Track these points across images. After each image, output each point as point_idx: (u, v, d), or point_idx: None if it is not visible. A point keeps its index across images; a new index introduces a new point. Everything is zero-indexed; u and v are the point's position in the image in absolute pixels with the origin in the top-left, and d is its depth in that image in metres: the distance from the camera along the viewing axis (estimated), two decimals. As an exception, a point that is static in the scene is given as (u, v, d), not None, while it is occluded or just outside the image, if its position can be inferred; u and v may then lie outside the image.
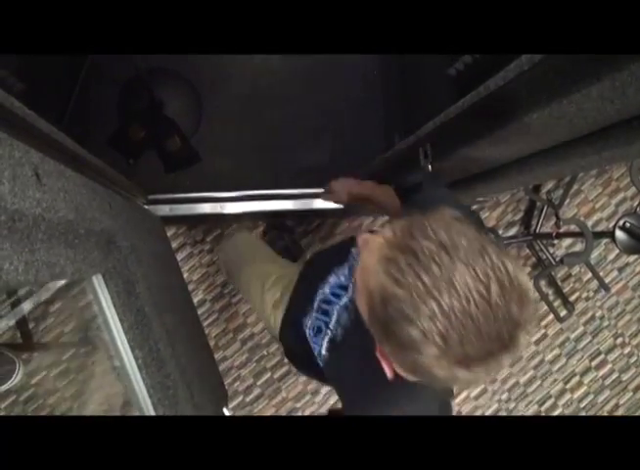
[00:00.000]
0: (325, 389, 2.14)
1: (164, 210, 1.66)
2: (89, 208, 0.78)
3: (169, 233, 2.06)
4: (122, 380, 0.94)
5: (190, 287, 2.07)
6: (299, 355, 1.19)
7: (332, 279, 1.01)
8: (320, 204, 1.64)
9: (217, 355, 2.08)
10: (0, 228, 0.51)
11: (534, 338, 2.23)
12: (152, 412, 0.94)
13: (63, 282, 1.98)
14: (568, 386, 2.25)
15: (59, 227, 0.65)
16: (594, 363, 2.26)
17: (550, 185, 2.25)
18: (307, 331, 1.06)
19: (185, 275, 2.06)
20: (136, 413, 0.96)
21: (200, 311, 2.07)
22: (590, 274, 2.23)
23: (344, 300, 0.94)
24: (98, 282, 0.86)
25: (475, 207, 2.21)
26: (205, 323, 2.08)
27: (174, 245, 2.06)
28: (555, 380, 2.24)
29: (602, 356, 2.26)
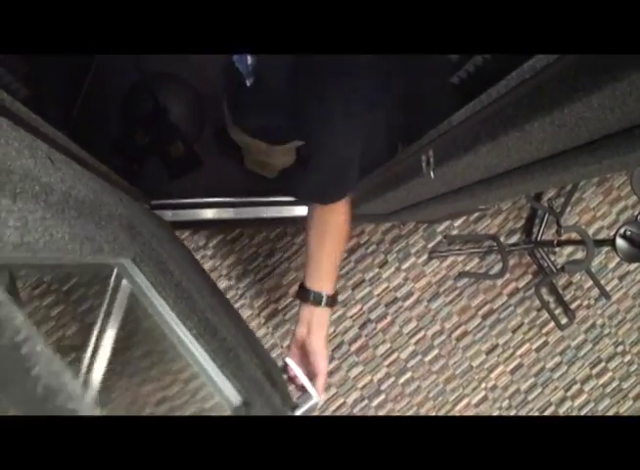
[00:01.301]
0: (331, 391, 2.14)
1: (167, 215, 1.67)
2: (103, 194, 0.79)
3: (171, 238, 2.06)
4: (183, 355, 0.93)
5: (191, 292, 2.07)
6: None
7: None
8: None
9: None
10: (38, 199, 0.52)
11: (535, 345, 2.23)
12: (221, 378, 0.92)
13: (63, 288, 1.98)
14: (568, 393, 2.25)
15: (84, 206, 0.66)
16: (595, 371, 2.26)
17: (551, 193, 2.26)
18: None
19: (187, 280, 2.06)
20: (206, 383, 0.94)
21: (201, 317, 2.07)
22: (591, 282, 2.24)
23: None
24: (130, 267, 0.86)
25: (477, 214, 2.21)
26: (206, 328, 2.08)
27: (176, 250, 2.07)
28: (556, 387, 2.24)
29: (602, 364, 2.26)
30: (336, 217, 1.04)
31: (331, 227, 1.04)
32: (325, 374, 1.05)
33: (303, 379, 1.03)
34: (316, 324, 1.03)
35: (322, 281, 1.04)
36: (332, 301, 1.04)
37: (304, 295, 1.04)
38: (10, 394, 0.25)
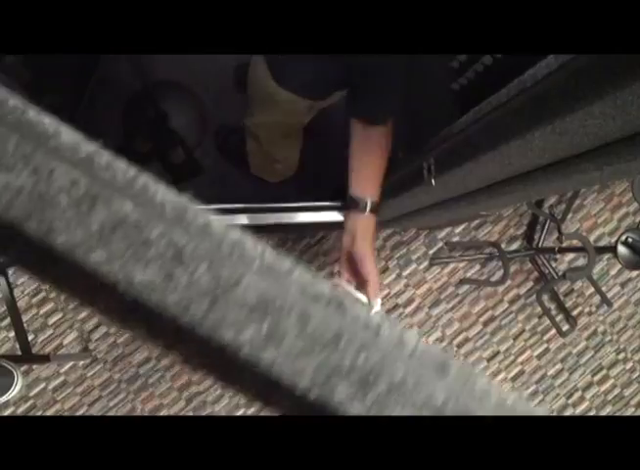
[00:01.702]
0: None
1: (167, 222, 1.66)
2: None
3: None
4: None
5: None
6: None
7: None
8: (324, 217, 1.64)
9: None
10: None
11: (536, 352, 2.23)
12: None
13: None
14: (570, 401, 2.24)
15: None
16: (596, 378, 2.25)
17: (553, 200, 2.25)
18: None
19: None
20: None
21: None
22: (592, 289, 2.23)
23: None
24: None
25: (478, 220, 2.21)
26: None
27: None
28: (557, 395, 2.23)
29: (604, 372, 2.25)
30: (378, 133, 1.06)
31: (373, 140, 1.06)
32: (375, 277, 1.06)
33: (354, 292, 1.05)
34: (361, 231, 1.05)
35: (366, 188, 1.06)
36: (376, 207, 1.06)
37: (348, 203, 1.07)
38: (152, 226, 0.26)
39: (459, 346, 2.20)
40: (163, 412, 2.05)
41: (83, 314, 2.03)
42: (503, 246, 2.21)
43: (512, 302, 2.23)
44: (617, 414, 2.25)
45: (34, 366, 2.00)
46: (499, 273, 2.21)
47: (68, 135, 0.26)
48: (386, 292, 2.17)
